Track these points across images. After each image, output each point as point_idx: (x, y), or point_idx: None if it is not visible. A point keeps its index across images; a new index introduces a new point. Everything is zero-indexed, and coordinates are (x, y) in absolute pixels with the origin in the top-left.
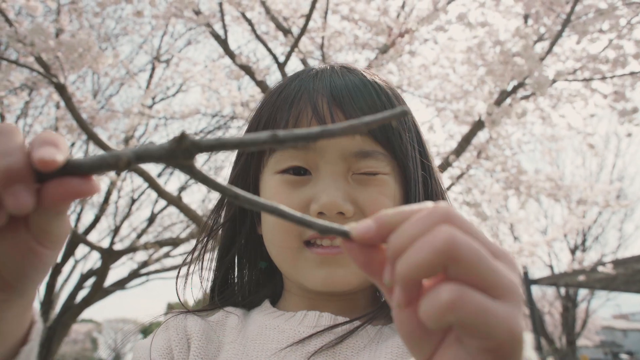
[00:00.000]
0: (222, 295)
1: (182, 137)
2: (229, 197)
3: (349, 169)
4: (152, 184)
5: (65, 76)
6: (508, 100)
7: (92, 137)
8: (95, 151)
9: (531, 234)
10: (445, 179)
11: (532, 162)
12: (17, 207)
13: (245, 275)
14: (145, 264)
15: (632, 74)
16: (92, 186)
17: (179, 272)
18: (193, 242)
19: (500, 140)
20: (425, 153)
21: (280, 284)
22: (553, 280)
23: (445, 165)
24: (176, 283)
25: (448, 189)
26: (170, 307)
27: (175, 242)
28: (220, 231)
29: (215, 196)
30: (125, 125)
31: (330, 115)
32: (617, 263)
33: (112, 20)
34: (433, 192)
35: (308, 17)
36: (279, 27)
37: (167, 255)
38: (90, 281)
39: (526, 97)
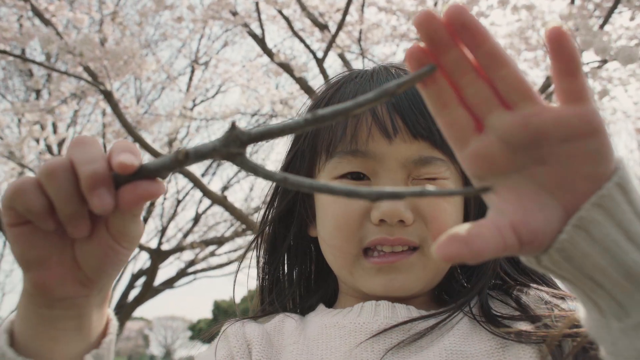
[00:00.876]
0: (271, 295)
1: (233, 127)
2: (277, 182)
3: (409, 176)
4: (197, 184)
5: (111, 83)
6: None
7: (139, 141)
8: (142, 155)
9: None
10: None
11: None
12: (102, 208)
13: (294, 277)
14: (192, 263)
15: None
16: (160, 187)
17: (238, 267)
18: (237, 240)
19: None
20: None
21: (333, 286)
22: None
23: None
24: (235, 278)
25: None
26: (217, 305)
27: (220, 241)
28: (269, 229)
29: (257, 194)
30: (168, 128)
31: (391, 120)
32: None
33: (151, 27)
34: None
35: (345, 11)
36: (315, 23)
37: (212, 254)
38: (141, 281)
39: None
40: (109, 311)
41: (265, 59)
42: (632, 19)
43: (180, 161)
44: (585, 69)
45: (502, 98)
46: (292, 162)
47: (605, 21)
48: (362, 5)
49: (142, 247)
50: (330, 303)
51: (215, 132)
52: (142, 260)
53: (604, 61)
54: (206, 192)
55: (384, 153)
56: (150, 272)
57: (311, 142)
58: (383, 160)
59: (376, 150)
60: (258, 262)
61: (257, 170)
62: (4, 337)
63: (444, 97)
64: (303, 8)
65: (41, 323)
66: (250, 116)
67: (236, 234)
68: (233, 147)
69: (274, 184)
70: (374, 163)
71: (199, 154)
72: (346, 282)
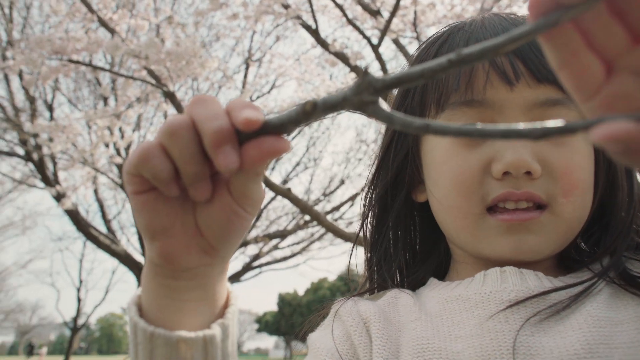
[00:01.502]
0: (380, 269)
1: (366, 73)
2: (418, 131)
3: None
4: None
5: (173, 84)
6: None
7: None
8: None
9: None
10: None
11: None
12: (228, 166)
13: (400, 250)
14: (256, 256)
15: None
16: (285, 143)
17: (356, 238)
18: (300, 233)
19: None
20: None
21: (442, 257)
22: None
23: None
24: (353, 250)
25: None
26: (281, 298)
27: (283, 234)
28: (382, 193)
29: (316, 187)
30: None
31: (511, 64)
32: None
33: (204, 28)
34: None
35: None
36: (367, 9)
37: (275, 247)
38: None
39: None
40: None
41: (318, 50)
42: None
43: (307, 113)
44: None
45: (635, 35)
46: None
47: None
48: None
49: None
50: (441, 276)
51: None
52: None
53: None
54: (270, 185)
55: (505, 100)
56: None
57: (420, 98)
58: (503, 108)
59: (495, 97)
60: (365, 233)
61: (392, 119)
62: (134, 309)
63: (573, 45)
64: None
65: (167, 294)
66: None
67: (298, 227)
68: (366, 95)
69: (382, 146)
70: (492, 112)
71: (327, 105)
72: (466, 246)
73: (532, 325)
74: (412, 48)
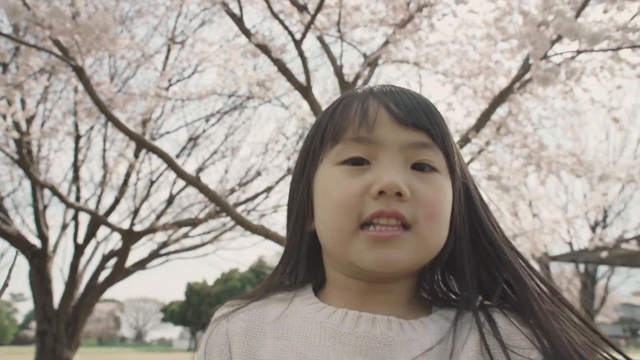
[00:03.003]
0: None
1: None
2: None
3: (407, 161)
4: (171, 164)
5: (83, 59)
6: (556, 58)
7: (112, 120)
8: (114, 134)
9: (551, 210)
10: (465, 155)
11: (553, 138)
12: None
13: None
14: (164, 244)
15: None
16: None
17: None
18: (211, 222)
19: (520, 116)
20: (463, 163)
21: (323, 277)
22: (572, 257)
23: (465, 141)
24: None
25: (468, 163)
26: (190, 287)
27: (194, 223)
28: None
29: (232, 176)
30: (142, 107)
31: (395, 111)
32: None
33: (126, 2)
34: (474, 199)
35: None
36: (294, 3)
37: (185, 235)
38: (112, 262)
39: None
40: None
41: (244, 39)
42: (605, 11)
43: None
44: (559, 59)
45: None
46: (305, 156)
47: (579, 13)
48: None
49: (113, 228)
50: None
51: (191, 113)
52: (113, 241)
53: (578, 52)
54: (180, 173)
55: (386, 139)
56: (122, 253)
57: (320, 137)
58: (384, 146)
59: (378, 136)
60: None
61: None
62: None
63: None
64: None
65: None
66: (227, 97)
67: (210, 216)
68: None
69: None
70: (375, 148)
71: None
72: (342, 259)
73: None
74: (337, 47)
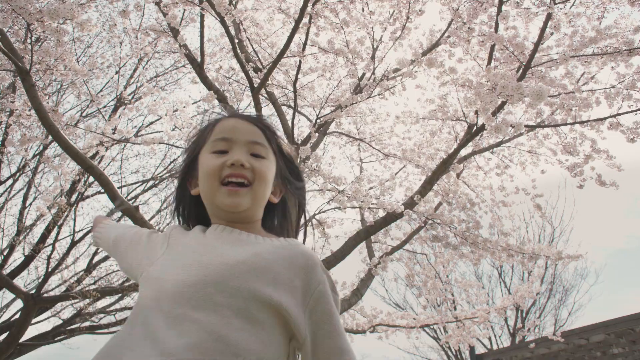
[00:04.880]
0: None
1: None
2: None
3: (249, 151)
4: (108, 189)
5: (31, 62)
6: (500, 115)
7: (52, 133)
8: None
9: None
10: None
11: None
12: None
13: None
14: (75, 316)
15: (586, 121)
16: None
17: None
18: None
19: (453, 200)
20: (288, 160)
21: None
22: (497, 355)
23: (411, 204)
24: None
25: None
26: None
27: (121, 290)
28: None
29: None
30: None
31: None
32: (564, 335)
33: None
34: (289, 179)
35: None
36: (247, 75)
37: (104, 309)
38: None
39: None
40: None
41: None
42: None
43: None
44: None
45: None
46: (193, 152)
47: (522, 77)
48: (298, 69)
49: (17, 291)
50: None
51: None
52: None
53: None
54: (115, 198)
55: (237, 139)
56: (20, 324)
57: (202, 137)
58: (236, 142)
59: (233, 137)
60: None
61: None
62: None
63: None
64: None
65: None
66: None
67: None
68: None
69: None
70: (230, 143)
71: None
72: (212, 203)
73: (223, 242)
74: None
